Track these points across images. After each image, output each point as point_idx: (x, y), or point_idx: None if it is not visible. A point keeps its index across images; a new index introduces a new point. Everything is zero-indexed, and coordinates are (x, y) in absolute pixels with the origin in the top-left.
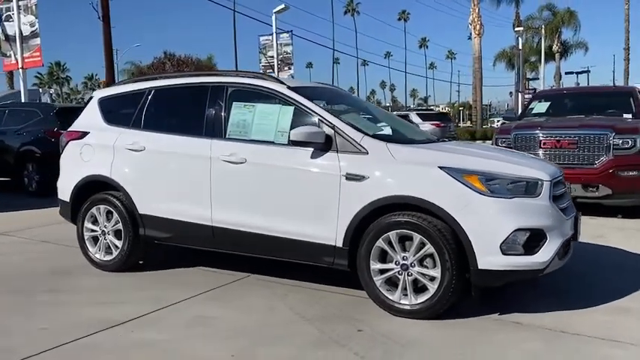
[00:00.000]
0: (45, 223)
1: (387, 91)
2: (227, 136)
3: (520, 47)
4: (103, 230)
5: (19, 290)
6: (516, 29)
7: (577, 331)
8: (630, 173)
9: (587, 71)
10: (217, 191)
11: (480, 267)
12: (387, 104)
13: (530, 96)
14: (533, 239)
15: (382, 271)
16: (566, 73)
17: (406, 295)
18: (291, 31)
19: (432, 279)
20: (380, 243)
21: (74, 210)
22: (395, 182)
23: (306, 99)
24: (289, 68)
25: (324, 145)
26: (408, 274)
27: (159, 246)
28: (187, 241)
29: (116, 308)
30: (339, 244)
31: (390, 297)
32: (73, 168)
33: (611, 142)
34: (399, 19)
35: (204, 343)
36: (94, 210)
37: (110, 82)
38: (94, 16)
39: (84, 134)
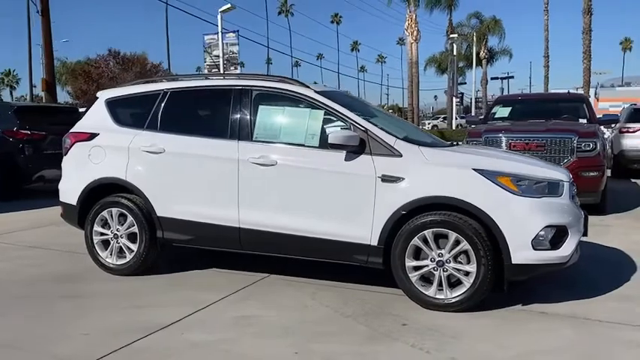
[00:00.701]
0: (25, 227)
1: None
2: (254, 139)
3: (454, 53)
4: (115, 234)
5: (35, 296)
6: (451, 36)
7: (598, 317)
8: (591, 174)
9: (511, 77)
10: (245, 193)
11: (513, 262)
12: None
13: (459, 99)
14: (558, 235)
15: (416, 268)
16: (492, 79)
17: (441, 289)
18: (238, 30)
19: (467, 274)
20: (415, 241)
21: (81, 213)
22: (431, 183)
23: (335, 103)
24: (235, 68)
25: (357, 148)
26: (443, 270)
27: (169, 249)
28: (209, 242)
29: (151, 312)
30: (374, 242)
31: (426, 292)
32: (81, 170)
33: (575, 145)
34: (332, 22)
35: (260, 342)
36: (104, 213)
37: (51, 78)
38: (17, 9)
39: (92, 135)
